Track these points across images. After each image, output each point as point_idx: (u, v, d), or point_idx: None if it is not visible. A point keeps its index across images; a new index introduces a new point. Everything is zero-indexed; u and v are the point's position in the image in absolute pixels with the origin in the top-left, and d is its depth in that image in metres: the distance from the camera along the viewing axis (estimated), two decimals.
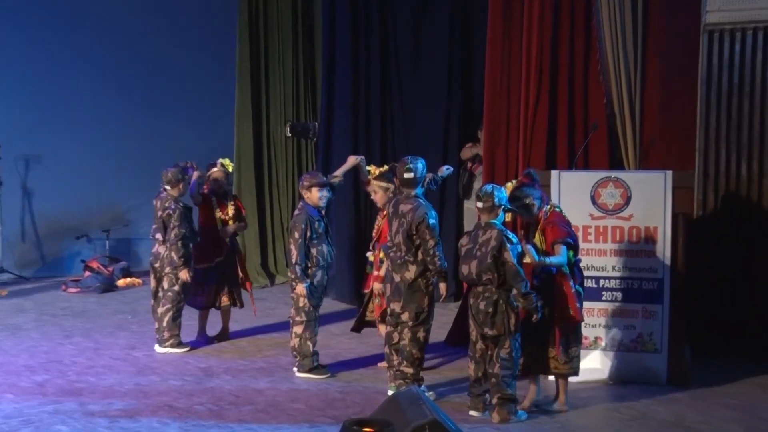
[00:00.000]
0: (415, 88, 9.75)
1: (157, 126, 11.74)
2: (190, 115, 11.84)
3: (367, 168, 6.87)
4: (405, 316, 6.22)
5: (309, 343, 6.82)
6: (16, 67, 11.12)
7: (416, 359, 6.22)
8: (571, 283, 5.83)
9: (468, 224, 9.08)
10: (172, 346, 7.61)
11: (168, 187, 7.69)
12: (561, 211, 6.00)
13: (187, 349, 7.65)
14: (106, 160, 11.58)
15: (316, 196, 6.82)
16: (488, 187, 5.83)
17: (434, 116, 9.68)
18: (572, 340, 5.93)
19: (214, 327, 8.14)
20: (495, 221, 5.79)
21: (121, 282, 10.72)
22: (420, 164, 6.25)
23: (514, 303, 5.77)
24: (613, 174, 6.74)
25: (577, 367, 5.98)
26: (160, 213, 7.60)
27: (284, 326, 8.10)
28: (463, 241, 5.93)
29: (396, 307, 6.23)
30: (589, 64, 7.42)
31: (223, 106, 11.60)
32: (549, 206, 5.95)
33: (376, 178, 6.76)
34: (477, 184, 9.03)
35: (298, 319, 6.82)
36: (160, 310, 7.61)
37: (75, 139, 11.44)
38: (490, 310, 5.76)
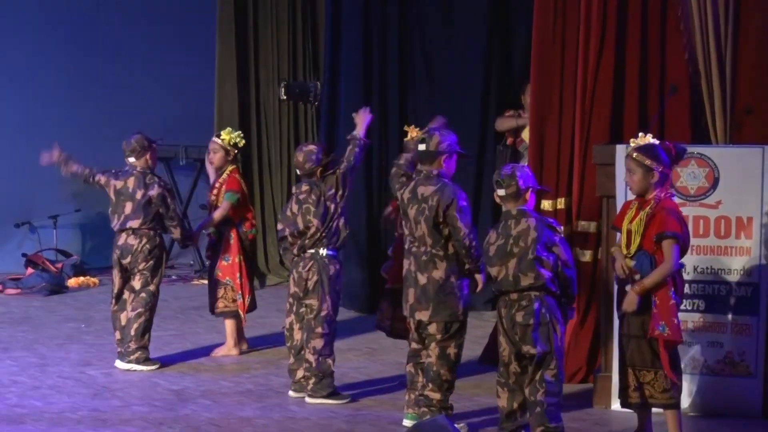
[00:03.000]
0: (445, 40, 9.70)
1: (119, 86, 11.74)
2: (159, 72, 11.84)
3: (405, 128, 6.83)
4: (432, 328, 6.20)
5: (329, 361, 6.86)
6: None
7: (445, 382, 6.20)
8: (672, 292, 5.78)
9: None
10: (137, 361, 7.61)
11: (132, 159, 7.68)
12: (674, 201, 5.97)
13: (156, 366, 7.65)
14: (53, 128, 11.57)
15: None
16: (507, 169, 5.85)
17: (469, 75, 9.63)
18: (674, 364, 5.87)
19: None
20: (526, 208, 5.80)
21: (72, 282, 10.75)
22: (443, 136, 6.22)
23: (558, 313, 5.74)
24: (697, 149, 6.68)
25: (679, 397, 5.93)
26: (141, 192, 7.58)
27: (277, 339, 8.09)
28: (491, 237, 5.91)
29: (423, 316, 6.20)
30: (668, 8, 7.36)
31: (201, 60, 11.58)
32: (664, 193, 5.89)
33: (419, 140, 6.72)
34: (523, 161, 8.98)
35: (318, 330, 6.84)
36: (128, 315, 7.62)
37: (13, 100, 11.46)
38: (531, 321, 5.73)
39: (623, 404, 6.06)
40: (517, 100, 9.27)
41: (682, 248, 5.83)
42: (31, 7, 11.48)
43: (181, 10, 11.95)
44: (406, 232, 6.31)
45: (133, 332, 7.59)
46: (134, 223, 7.60)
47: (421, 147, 6.23)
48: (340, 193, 6.84)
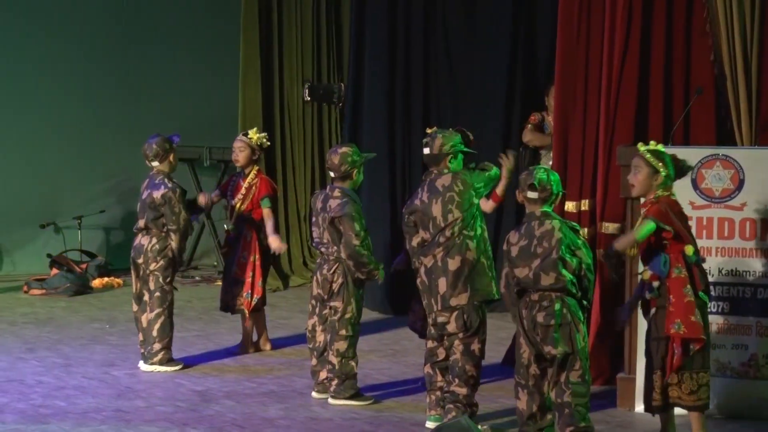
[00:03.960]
0: (469, 42, 9.71)
1: (143, 87, 11.81)
2: (182, 73, 11.90)
3: (428, 130, 6.90)
4: (451, 327, 6.22)
5: (352, 363, 6.88)
6: None
7: (470, 377, 6.23)
8: (687, 289, 5.80)
9: None
10: (161, 362, 7.65)
11: (156, 163, 7.73)
12: (676, 200, 5.97)
13: (179, 367, 7.70)
14: (77, 129, 11.67)
15: (361, 178, 6.97)
16: (542, 173, 5.85)
17: (493, 76, 9.63)
18: (697, 364, 5.88)
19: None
20: (551, 210, 5.85)
21: (96, 282, 10.81)
22: (446, 138, 6.31)
23: (580, 313, 5.76)
24: (722, 151, 6.67)
25: (707, 399, 5.95)
26: (147, 192, 7.62)
27: (300, 340, 8.12)
28: (512, 238, 5.91)
29: (462, 299, 6.19)
30: (693, 10, 7.34)
31: (225, 62, 11.63)
32: (667, 192, 5.93)
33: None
34: (545, 164, 8.96)
35: (342, 333, 6.86)
36: (147, 317, 7.66)
37: (38, 102, 11.54)
38: (552, 322, 5.73)
39: (647, 408, 6.06)
40: (541, 101, 9.27)
41: (692, 241, 5.84)
42: (57, 9, 11.57)
43: (205, 11, 12.01)
44: (422, 237, 6.29)
45: (155, 333, 7.63)
46: (141, 223, 7.66)
47: (426, 151, 6.34)
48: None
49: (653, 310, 5.92)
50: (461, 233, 6.21)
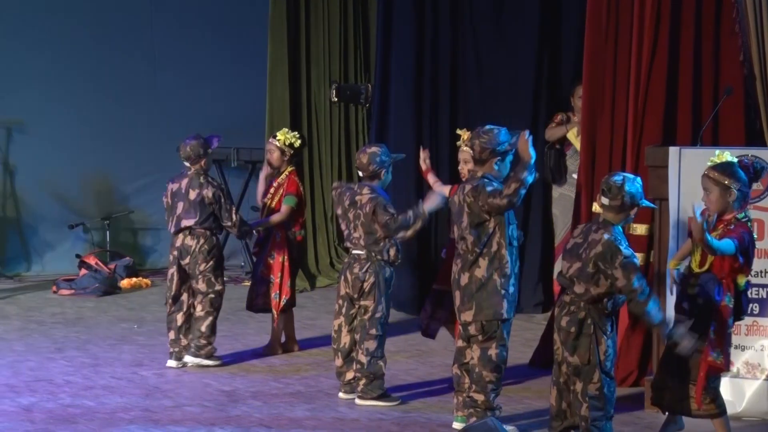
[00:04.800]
0: (496, 42, 9.70)
1: (171, 88, 11.86)
2: (210, 74, 11.95)
3: (458, 132, 6.88)
4: (472, 329, 6.22)
5: (380, 362, 6.90)
6: None
7: (488, 383, 6.21)
8: (731, 320, 5.72)
9: (562, 215, 9.01)
10: (207, 356, 7.75)
11: (187, 164, 7.80)
12: (750, 226, 5.80)
13: (219, 363, 7.81)
14: (107, 130, 11.74)
15: (389, 178, 7.02)
16: (617, 178, 5.63)
17: (520, 76, 9.63)
18: (712, 378, 5.83)
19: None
20: (613, 221, 5.62)
21: (124, 283, 10.87)
22: (484, 142, 6.19)
23: (608, 325, 5.68)
24: (751, 151, 6.62)
25: (723, 405, 5.91)
26: (195, 191, 7.69)
27: (327, 341, 8.15)
28: (575, 231, 5.85)
29: (467, 317, 6.22)
30: (722, 10, 7.31)
31: (253, 63, 11.67)
32: (742, 215, 5.75)
33: (467, 144, 6.74)
34: (572, 165, 8.96)
35: (372, 332, 6.89)
36: (199, 313, 7.76)
37: (68, 102, 11.62)
38: (573, 329, 5.65)
39: (654, 402, 6.00)
40: (566, 102, 9.26)
41: (747, 268, 5.74)
42: (83, 11, 11.64)
43: (232, 13, 12.06)
44: (456, 235, 6.34)
45: (203, 329, 7.73)
46: (188, 222, 7.71)
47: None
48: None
49: (690, 307, 5.86)
50: (473, 250, 6.17)
